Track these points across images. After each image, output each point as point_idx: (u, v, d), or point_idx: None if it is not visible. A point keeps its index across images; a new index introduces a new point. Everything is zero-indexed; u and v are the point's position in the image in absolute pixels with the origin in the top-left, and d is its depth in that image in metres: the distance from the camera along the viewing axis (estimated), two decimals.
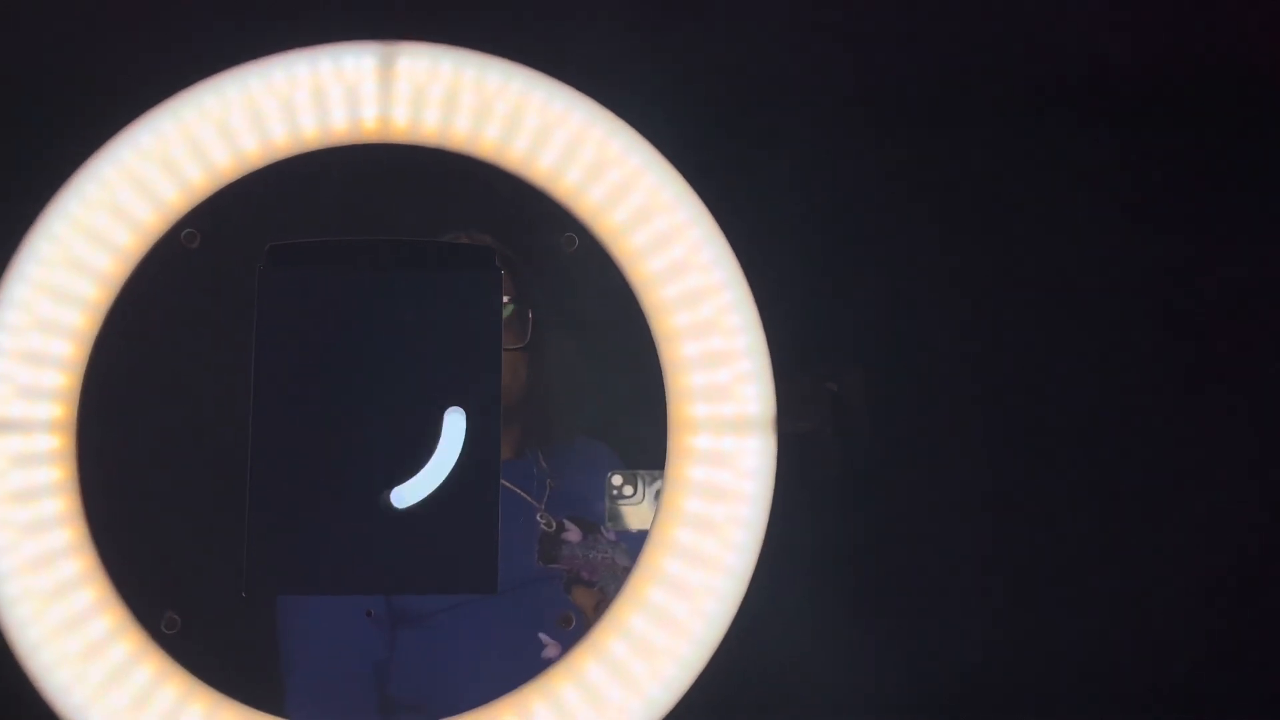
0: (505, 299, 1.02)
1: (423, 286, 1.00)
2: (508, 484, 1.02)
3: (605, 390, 1.07)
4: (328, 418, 0.98)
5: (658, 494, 1.02)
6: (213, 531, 1.08)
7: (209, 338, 1.08)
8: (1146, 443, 1.25)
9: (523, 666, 0.99)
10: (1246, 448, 1.25)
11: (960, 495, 1.22)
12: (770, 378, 1.02)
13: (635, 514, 1.03)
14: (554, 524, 1.05)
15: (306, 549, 0.97)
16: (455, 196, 1.08)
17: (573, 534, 1.06)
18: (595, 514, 1.04)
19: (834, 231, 1.24)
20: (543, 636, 1.02)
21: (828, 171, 1.24)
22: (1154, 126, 1.27)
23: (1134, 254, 1.27)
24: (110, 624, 0.98)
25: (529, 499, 1.05)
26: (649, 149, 1.05)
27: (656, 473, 1.02)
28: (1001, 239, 1.26)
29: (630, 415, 1.05)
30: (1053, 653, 1.19)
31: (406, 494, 0.96)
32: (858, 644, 1.13)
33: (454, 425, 0.97)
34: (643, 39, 1.18)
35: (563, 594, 1.04)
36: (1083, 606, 1.20)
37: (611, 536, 1.06)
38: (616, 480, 1.04)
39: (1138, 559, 1.22)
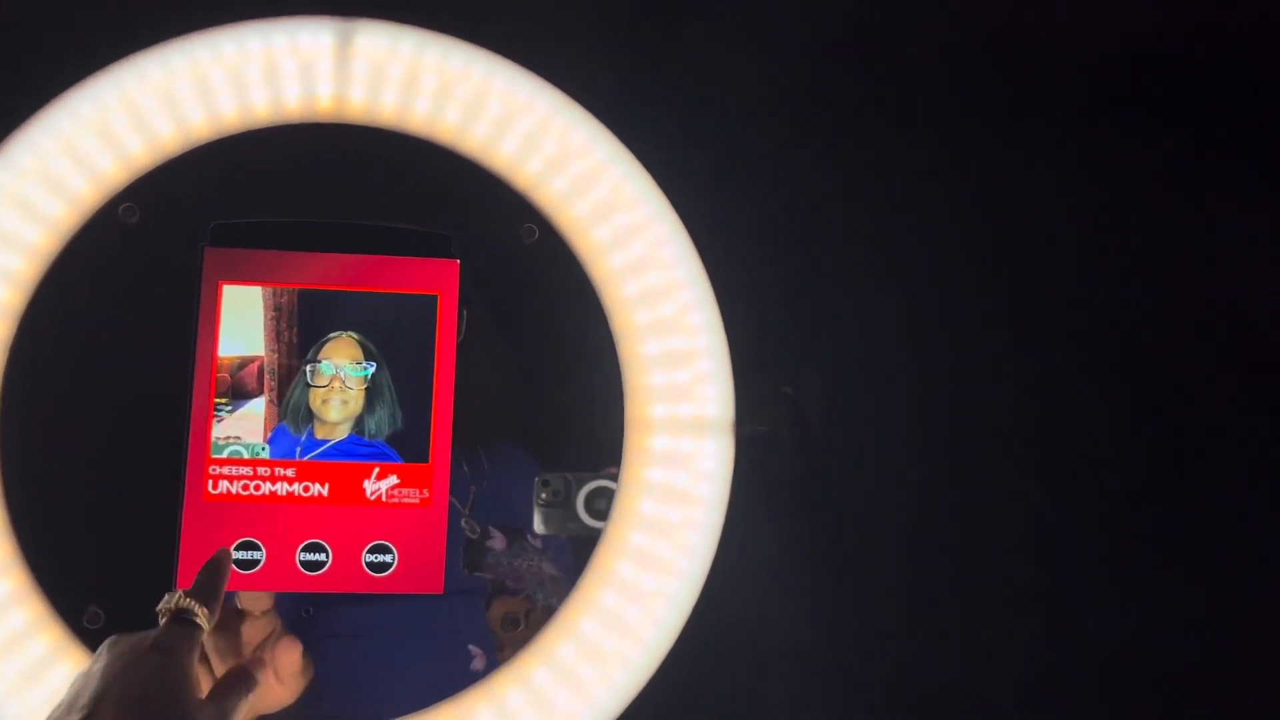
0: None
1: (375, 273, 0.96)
2: None
3: (561, 387, 1.04)
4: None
5: (587, 497, 0.98)
6: (141, 522, 1.03)
7: (144, 318, 1.03)
8: (1109, 436, 1.25)
9: (451, 678, 0.96)
10: None
11: (919, 496, 1.22)
12: (730, 379, 1.00)
13: (563, 518, 0.99)
14: (478, 530, 1.02)
15: (245, 543, 0.93)
16: (411, 181, 1.05)
17: (498, 541, 1.03)
18: (521, 520, 1.02)
19: (798, 232, 1.23)
20: (472, 648, 0.99)
21: (795, 172, 1.23)
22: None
23: (1101, 256, 1.27)
24: (29, 617, 0.93)
25: (454, 503, 1.02)
26: (614, 142, 1.03)
27: (586, 474, 0.99)
28: (970, 238, 1.26)
29: (586, 414, 1.03)
30: (1013, 644, 1.19)
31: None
32: (814, 649, 1.12)
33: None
34: (613, 32, 1.16)
35: (489, 604, 1.02)
36: (1048, 597, 1.21)
37: (537, 544, 1.03)
38: (544, 483, 0.99)
39: (1096, 542, 1.23)
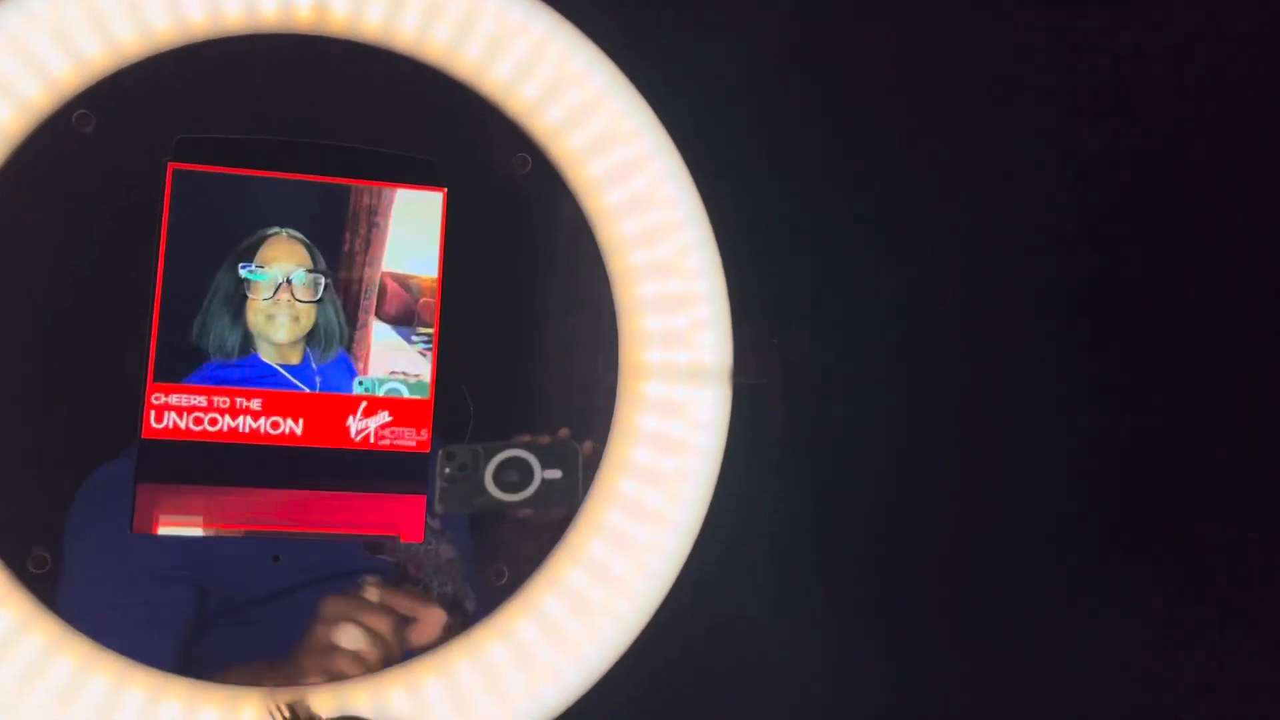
0: None
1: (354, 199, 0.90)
2: None
3: (552, 329, 0.99)
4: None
5: (498, 469, 0.90)
6: (90, 460, 0.96)
7: (98, 236, 0.95)
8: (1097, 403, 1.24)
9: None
10: None
11: (914, 458, 1.20)
12: (729, 326, 0.96)
13: (469, 494, 0.90)
14: None
15: (206, 481, 0.86)
16: (396, 103, 0.98)
17: None
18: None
19: (807, 178, 1.19)
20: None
21: (804, 115, 1.19)
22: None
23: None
24: None
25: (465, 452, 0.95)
26: (613, 70, 0.97)
27: (496, 445, 0.90)
28: (985, 198, 1.23)
29: (578, 357, 0.98)
30: (1005, 604, 1.19)
31: None
32: (807, 608, 1.10)
33: None
34: None
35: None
36: (1035, 563, 1.20)
37: (435, 524, 0.97)
38: (449, 455, 0.88)
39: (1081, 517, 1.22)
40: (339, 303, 0.88)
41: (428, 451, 0.88)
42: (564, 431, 0.94)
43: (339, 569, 0.93)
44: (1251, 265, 1.30)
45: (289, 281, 0.87)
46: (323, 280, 0.88)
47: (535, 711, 0.88)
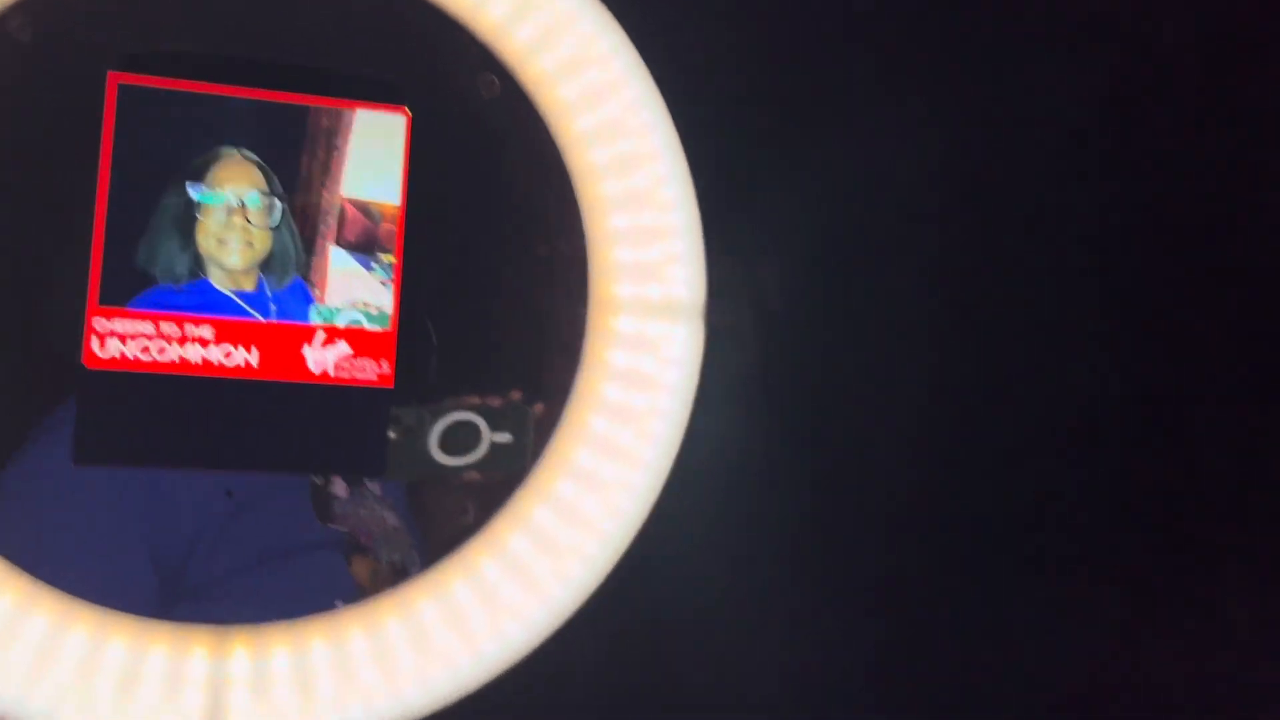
0: None
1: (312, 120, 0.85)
2: None
3: (519, 260, 0.95)
4: None
5: (444, 433, 0.87)
6: (22, 390, 0.91)
7: (37, 152, 0.89)
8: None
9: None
10: None
11: (889, 396, 1.18)
12: (702, 261, 0.94)
13: (410, 461, 0.86)
14: (321, 476, 0.92)
15: (152, 410, 0.82)
16: (358, 18, 0.93)
17: (339, 487, 0.93)
18: None
19: (786, 111, 1.15)
20: (339, 604, 0.90)
21: (785, 47, 1.14)
22: None
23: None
24: None
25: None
26: None
27: (443, 407, 0.87)
28: (961, 136, 1.21)
29: (546, 290, 0.94)
30: (977, 546, 1.18)
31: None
32: (778, 550, 1.08)
33: None
34: None
35: (344, 561, 0.93)
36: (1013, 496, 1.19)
37: (377, 490, 0.94)
38: (394, 419, 0.84)
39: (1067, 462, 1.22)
40: (295, 228, 0.84)
41: (390, 387, 0.84)
42: (516, 393, 0.91)
43: (292, 543, 0.90)
44: None
45: (242, 205, 0.83)
46: (279, 205, 0.84)
47: (500, 649, 0.85)
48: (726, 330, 0.95)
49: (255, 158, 0.84)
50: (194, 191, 0.82)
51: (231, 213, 0.82)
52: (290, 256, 0.83)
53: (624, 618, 0.91)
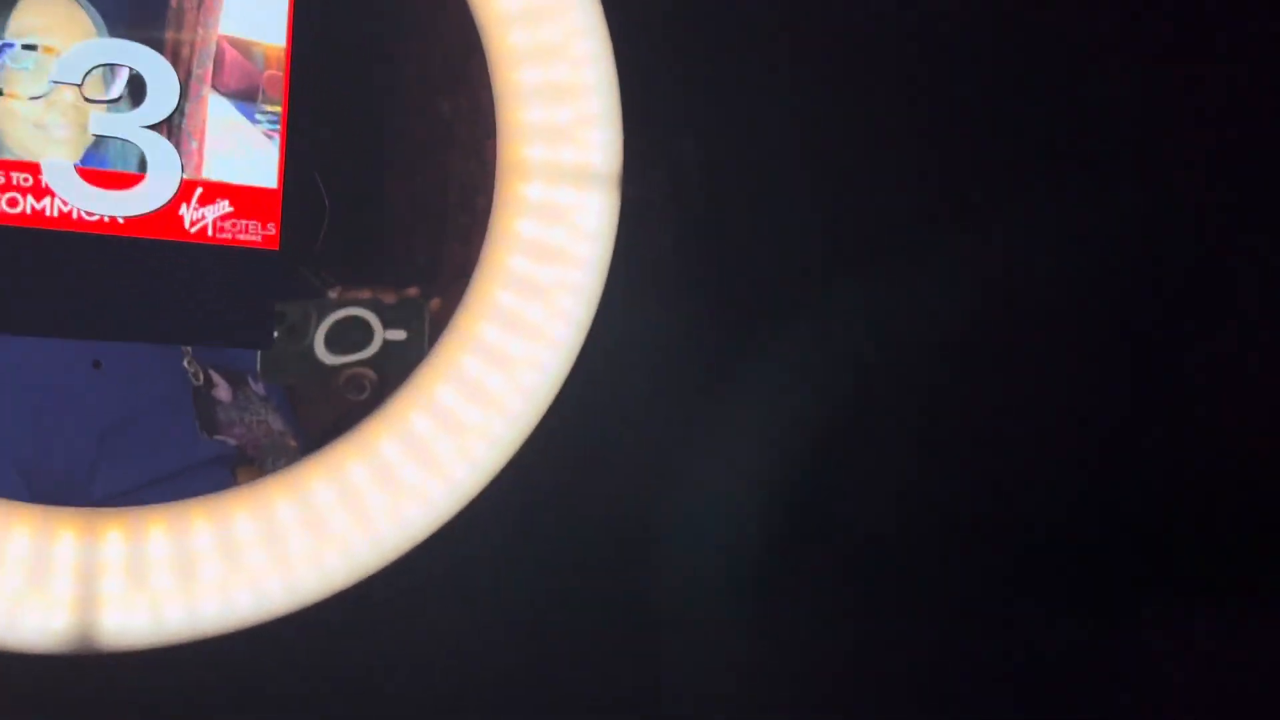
0: None
1: None
2: None
3: (419, 114, 0.87)
4: None
5: (331, 331, 0.80)
6: None
7: None
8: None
9: None
10: None
11: (800, 275, 1.13)
12: (620, 125, 0.87)
13: (296, 360, 0.80)
14: (201, 375, 0.84)
15: (7, 272, 0.73)
16: None
17: (222, 390, 0.86)
18: (244, 361, 0.83)
19: None
20: None
21: None
22: None
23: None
24: None
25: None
26: None
27: (331, 303, 0.81)
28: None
29: (447, 148, 0.87)
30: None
31: None
32: (695, 432, 1.05)
33: None
34: None
35: (231, 475, 0.86)
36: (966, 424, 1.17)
37: (261, 391, 0.87)
38: (279, 316, 0.78)
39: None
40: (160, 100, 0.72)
41: (276, 249, 0.77)
42: (413, 290, 0.84)
43: (176, 464, 0.82)
44: None
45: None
46: (125, 71, 0.70)
47: (399, 532, 0.81)
48: (645, 204, 0.89)
49: None
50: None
51: (53, 86, 0.68)
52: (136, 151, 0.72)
53: (532, 501, 0.87)
